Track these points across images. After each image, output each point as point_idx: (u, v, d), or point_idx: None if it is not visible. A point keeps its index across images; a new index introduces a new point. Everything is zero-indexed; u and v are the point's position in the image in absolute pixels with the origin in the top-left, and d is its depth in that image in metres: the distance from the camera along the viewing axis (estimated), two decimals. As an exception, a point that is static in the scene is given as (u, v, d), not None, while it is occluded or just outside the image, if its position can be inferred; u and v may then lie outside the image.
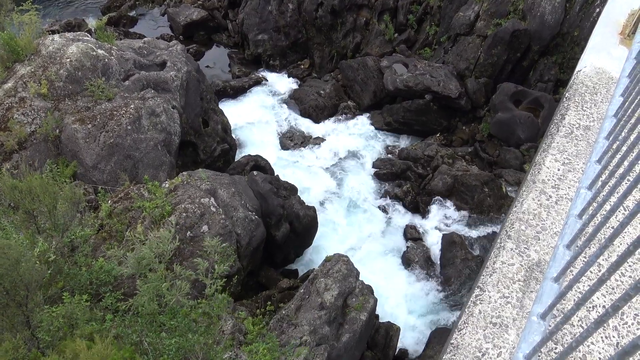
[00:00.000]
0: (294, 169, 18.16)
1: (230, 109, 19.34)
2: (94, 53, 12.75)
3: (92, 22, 22.46)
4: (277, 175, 15.42)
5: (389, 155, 19.01)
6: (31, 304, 6.73)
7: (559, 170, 4.48)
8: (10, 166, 10.83)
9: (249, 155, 16.28)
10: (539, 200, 4.18)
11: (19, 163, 10.91)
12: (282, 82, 22.01)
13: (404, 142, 19.70)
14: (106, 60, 12.86)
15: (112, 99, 12.38)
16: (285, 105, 20.79)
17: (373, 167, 18.45)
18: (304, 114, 20.32)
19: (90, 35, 14.51)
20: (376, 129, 19.98)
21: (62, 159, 11.61)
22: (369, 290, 11.71)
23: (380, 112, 20.28)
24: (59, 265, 7.71)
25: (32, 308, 6.74)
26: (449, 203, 16.71)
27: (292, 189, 14.86)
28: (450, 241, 15.40)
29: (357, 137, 19.62)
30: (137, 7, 25.81)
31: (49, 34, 13.96)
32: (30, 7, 13.31)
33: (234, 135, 17.57)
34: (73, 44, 12.77)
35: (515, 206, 4.26)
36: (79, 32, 14.04)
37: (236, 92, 21.08)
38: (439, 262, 15.36)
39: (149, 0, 26.19)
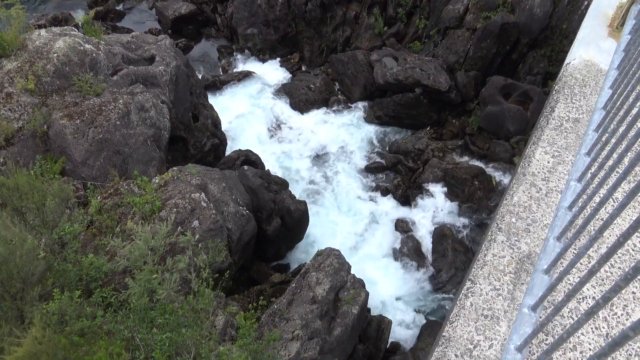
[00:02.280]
0: (284, 163, 18.14)
1: (220, 103, 19.23)
2: (82, 48, 12.61)
3: (79, 17, 22.13)
4: (268, 170, 15.38)
5: (380, 149, 19.04)
6: (27, 298, 6.64)
7: (548, 162, 4.50)
8: (-3, 163, 10.70)
9: (240, 149, 16.20)
10: (529, 193, 4.20)
11: (6, 159, 10.79)
12: (272, 75, 21.87)
13: (394, 135, 19.71)
14: (94, 55, 12.73)
15: (101, 94, 12.25)
16: (275, 99, 20.70)
17: (363, 160, 18.47)
18: (294, 107, 20.27)
19: (78, 29, 14.31)
20: (366, 122, 19.99)
21: (51, 155, 11.49)
22: (361, 284, 11.74)
23: (370, 105, 20.28)
24: (48, 262, 7.64)
25: (27, 302, 6.65)
26: (439, 196, 16.78)
27: (283, 184, 14.84)
28: (441, 234, 15.48)
29: (347, 131, 19.61)
30: (125, 1, 25.52)
31: (36, 29, 13.77)
32: (15, 1, 13.10)
33: (224, 130, 17.49)
34: (60, 38, 12.61)
35: (506, 199, 4.28)
36: (65, 27, 13.85)
37: (226, 86, 20.95)
38: (430, 255, 15.43)
39: (137, -7, 25.91)
